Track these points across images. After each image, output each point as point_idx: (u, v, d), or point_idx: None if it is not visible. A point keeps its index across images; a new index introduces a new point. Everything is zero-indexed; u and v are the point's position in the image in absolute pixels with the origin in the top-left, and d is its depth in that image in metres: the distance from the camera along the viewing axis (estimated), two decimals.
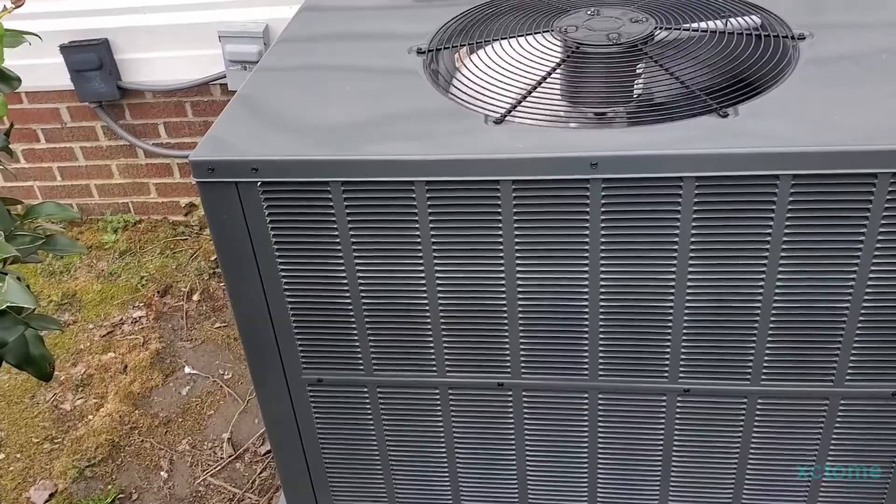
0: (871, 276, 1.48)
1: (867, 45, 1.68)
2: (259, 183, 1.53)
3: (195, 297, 3.38)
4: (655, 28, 1.74)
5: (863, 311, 1.52)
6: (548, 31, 1.80)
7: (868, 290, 1.49)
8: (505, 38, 1.82)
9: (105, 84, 3.46)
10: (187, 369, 3.05)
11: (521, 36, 1.81)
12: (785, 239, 1.45)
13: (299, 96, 1.71)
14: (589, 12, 1.84)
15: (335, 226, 1.56)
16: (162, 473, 2.65)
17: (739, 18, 1.81)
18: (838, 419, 1.67)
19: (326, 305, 1.67)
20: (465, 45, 1.85)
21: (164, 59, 3.44)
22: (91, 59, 3.40)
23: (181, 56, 3.42)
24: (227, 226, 1.59)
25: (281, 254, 1.61)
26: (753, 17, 1.83)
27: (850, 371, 1.60)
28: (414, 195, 1.50)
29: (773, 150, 1.38)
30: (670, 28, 1.76)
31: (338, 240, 1.58)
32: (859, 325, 1.54)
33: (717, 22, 1.80)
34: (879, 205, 1.40)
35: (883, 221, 1.42)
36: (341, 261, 1.60)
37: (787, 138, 1.40)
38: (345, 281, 1.63)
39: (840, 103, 1.49)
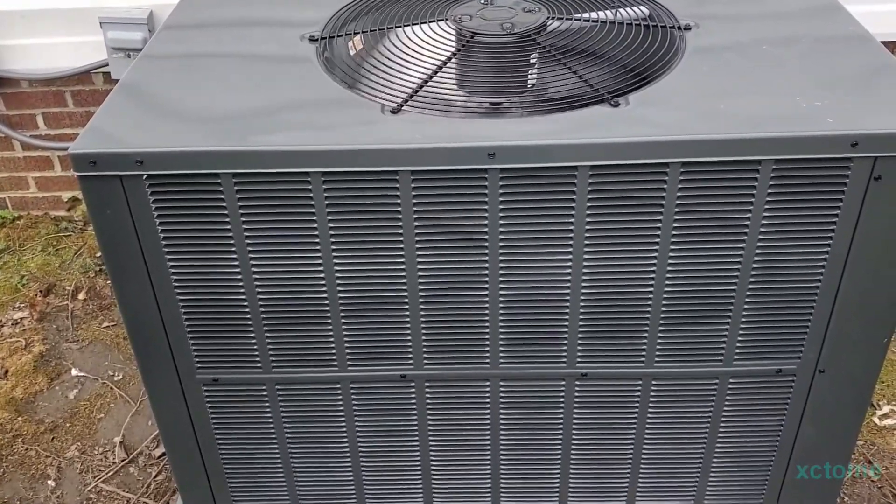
0: (756, 259, 1.54)
1: (749, 35, 1.74)
2: (145, 176, 1.46)
3: (81, 296, 3.23)
4: (548, 18, 1.76)
5: (748, 293, 1.58)
6: (442, 20, 1.79)
7: (753, 273, 1.55)
8: (400, 27, 1.80)
9: None
10: (74, 371, 2.90)
11: (416, 24, 1.80)
12: (675, 224, 1.49)
13: (187, 85, 1.65)
14: (482, 2, 1.84)
15: (227, 220, 1.51)
16: (49, 482, 2.52)
17: (628, 9, 1.85)
18: (728, 397, 1.74)
19: (220, 303, 1.61)
20: (359, 34, 1.81)
21: (42, 45, 3.25)
22: None
23: (60, 42, 3.24)
24: (112, 222, 1.51)
25: (170, 250, 1.55)
26: (642, 7, 1.87)
27: (737, 351, 1.66)
28: (310, 187, 1.47)
29: (663, 138, 1.41)
30: (562, 18, 1.78)
31: (230, 234, 1.52)
32: (746, 306, 1.60)
33: (608, 12, 1.83)
34: (763, 190, 1.45)
35: (766, 206, 1.47)
36: (234, 256, 1.55)
37: (676, 127, 1.44)
38: (239, 277, 1.58)
39: (725, 92, 1.54)
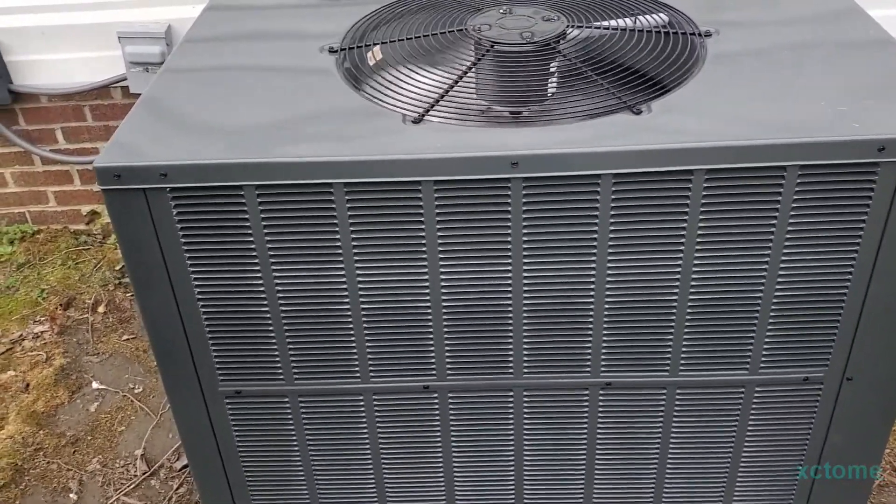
0: (781, 265, 1.52)
1: (770, 41, 1.73)
2: (168, 189, 1.46)
3: (101, 309, 3.24)
4: (567, 26, 1.76)
5: (775, 301, 1.56)
6: (462, 30, 1.79)
7: (780, 280, 1.54)
8: (419, 37, 1.80)
9: None
10: (95, 384, 2.91)
11: (436, 34, 1.80)
12: (700, 232, 1.48)
13: (208, 98, 1.65)
14: (501, 11, 1.84)
15: (250, 232, 1.51)
16: (71, 496, 2.52)
17: (648, 16, 1.85)
18: (754, 406, 1.72)
19: (243, 315, 1.61)
20: (378, 44, 1.82)
21: (60, 60, 3.28)
22: None
23: (78, 58, 3.27)
24: (136, 235, 1.52)
25: (193, 262, 1.55)
26: (661, 14, 1.86)
27: (764, 359, 1.64)
28: (333, 198, 1.47)
29: (686, 145, 1.40)
30: (581, 26, 1.78)
31: (253, 246, 1.52)
32: (772, 314, 1.58)
33: (627, 20, 1.83)
34: (789, 196, 1.44)
35: (792, 212, 1.46)
36: (258, 268, 1.55)
37: (699, 134, 1.43)
38: (262, 289, 1.57)
39: (748, 98, 1.53)
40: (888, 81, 1.56)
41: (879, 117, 1.44)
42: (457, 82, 1.63)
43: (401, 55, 1.77)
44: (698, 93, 1.56)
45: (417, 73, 1.67)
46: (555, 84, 1.70)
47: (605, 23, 1.81)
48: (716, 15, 1.85)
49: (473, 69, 1.67)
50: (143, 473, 2.57)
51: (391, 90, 1.64)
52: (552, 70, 1.70)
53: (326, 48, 1.81)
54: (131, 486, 2.53)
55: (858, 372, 1.66)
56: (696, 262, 1.52)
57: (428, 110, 1.56)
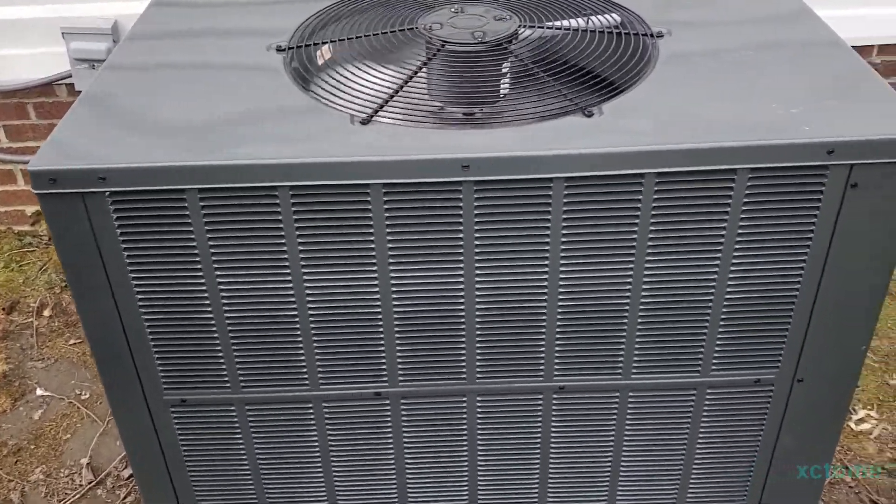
0: (732, 268, 1.52)
1: (722, 42, 1.73)
2: (108, 193, 1.41)
3: (46, 313, 3.15)
4: (519, 26, 1.73)
5: (725, 304, 1.56)
6: (412, 29, 1.75)
7: (730, 283, 1.54)
8: (369, 36, 1.76)
9: None
10: (39, 391, 2.83)
11: (386, 33, 1.76)
12: (651, 235, 1.47)
13: (151, 97, 1.60)
14: (453, 9, 1.81)
15: (193, 237, 1.46)
16: None
17: (600, 17, 1.83)
18: (706, 407, 1.72)
19: (187, 322, 1.56)
20: (327, 43, 1.78)
21: (2, 56, 3.18)
22: None
23: (21, 54, 3.16)
24: (74, 240, 1.46)
25: (135, 269, 1.50)
26: (614, 15, 1.85)
27: (715, 361, 1.64)
28: (278, 201, 1.43)
29: (637, 149, 1.39)
30: (534, 26, 1.76)
31: (196, 252, 1.48)
32: (723, 317, 1.58)
33: (580, 20, 1.81)
34: (739, 199, 1.44)
35: (743, 215, 1.46)
36: (201, 274, 1.50)
37: (650, 136, 1.42)
38: (206, 295, 1.53)
39: (699, 100, 1.52)
40: (839, 83, 1.56)
41: (829, 119, 1.44)
42: (406, 82, 1.60)
43: (350, 54, 1.73)
44: (650, 94, 1.55)
45: (367, 73, 1.63)
46: (507, 85, 1.68)
47: (558, 23, 1.79)
48: (668, 15, 1.85)
49: (424, 69, 1.64)
50: (90, 483, 2.49)
51: (340, 90, 1.60)
52: (504, 71, 1.68)
53: (274, 46, 1.76)
54: (76, 496, 2.46)
55: (809, 373, 1.66)
56: (647, 265, 1.51)
57: (377, 111, 1.53)
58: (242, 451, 1.76)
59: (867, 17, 3.24)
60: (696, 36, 1.76)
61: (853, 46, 1.70)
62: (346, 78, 1.63)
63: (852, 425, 2.56)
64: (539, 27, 1.76)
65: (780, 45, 1.70)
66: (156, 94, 1.60)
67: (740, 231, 1.47)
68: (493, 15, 1.77)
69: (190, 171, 1.39)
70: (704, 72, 1.62)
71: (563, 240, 1.48)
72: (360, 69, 1.66)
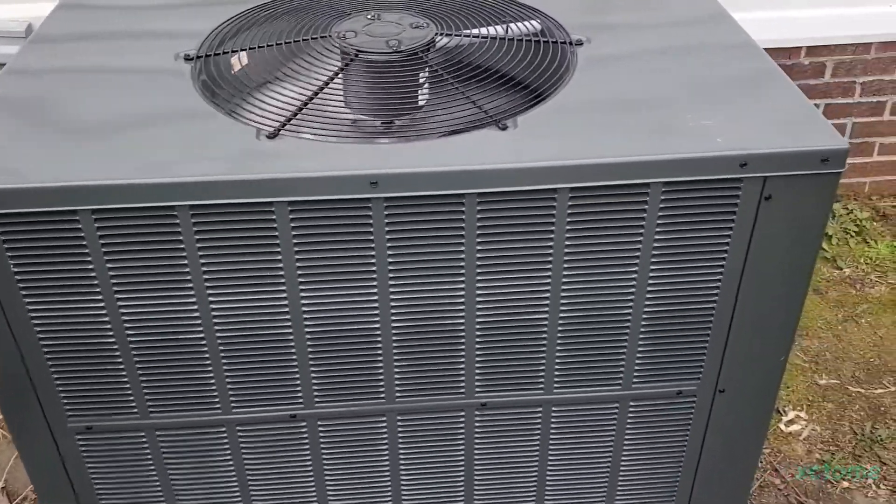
0: (650, 282, 1.50)
1: (641, 48, 1.70)
2: None
3: None
4: (436, 34, 1.69)
5: (645, 317, 1.54)
6: (325, 37, 1.70)
7: (649, 297, 1.52)
8: (281, 44, 1.70)
9: None
10: None
11: (299, 41, 1.70)
12: (566, 250, 1.44)
13: (47, 109, 1.52)
14: (369, 17, 1.76)
15: (90, 259, 1.39)
16: None
17: (520, 24, 1.80)
18: (629, 420, 1.70)
19: (89, 348, 1.49)
20: (237, 52, 1.71)
21: None
22: None
23: None
24: None
25: (28, 293, 1.42)
26: (533, 22, 1.82)
27: (636, 374, 1.62)
28: (178, 221, 1.36)
29: (550, 164, 1.35)
30: (451, 34, 1.72)
31: (94, 274, 1.40)
32: (642, 330, 1.56)
33: (499, 28, 1.78)
34: (654, 213, 1.41)
35: (658, 229, 1.43)
36: (100, 297, 1.43)
37: (564, 151, 1.38)
38: (106, 319, 1.46)
39: (615, 111, 1.50)
40: (754, 91, 1.55)
41: (743, 131, 1.43)
42: (316, 94, 1.54)
43: (261, 64, 1.67)
44: (565, 106, 1.52)
45: (275, 84, 1.57)
46: (422, 96, 1.64)
47: (476, 30, 1.75)
48: (591, 18, 1.82)
49: (336, 80, 1.58)
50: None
51: (247, 102, 1.54)
52: (420, 81, 1.63)
53: (182, 55, 1.69)
54: None
55: (730, 384, 1.66)
56: (564, 280, 1.48)
57: (284, 124, 1.47)
58: (155, 479, 1.69)
59: (797, 18, 3.28)
60: (616, 42, 1.73)
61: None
62: (253, 89, 1.57)
63: (782, 426, 2.59)
64: (456, 35, 1.72)
65: (698, 51, 1.68)
66: (50, 107, 1.52)
67: (656, 245, 1.45)
68: (410, 22, 1.73)
69: (83, 191, 1.32)
70: (621, 82, 1.59)
71: (479, 255, 1.44)
72: (269, 80, 1.60)
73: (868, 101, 3.47)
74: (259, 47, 1.70)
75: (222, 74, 1.64)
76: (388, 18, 1.75)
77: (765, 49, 1.69)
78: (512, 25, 1.79)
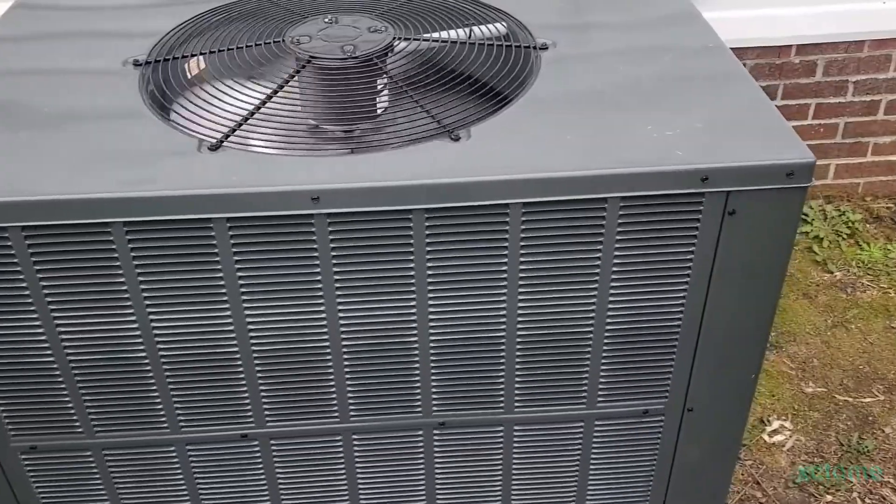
0: (611, 299, 1.43)
1: (607, 52, 1.63)
2: None
3: None
4: (394, 38, 1.62)
5: (607, 335, 1.48)
6: (277, 42, 1.63)
7: (610, 314, 1.45)
8: (232, 50, 1.64)
9: None
10: None
11: (251, 47, 1.64)
12: (521, 266, 1.38)
13: None
14: (326, 20, 1.69)
15: (21, 275, 1.33)
16: None
17: (483, 27, 1.73)
18: (595, 439, 1.64)
19: (26, 365, 1.43)
20: (187, 57, 1.65)
21: None
22: None
23: None
24: None
25: None
26: (498, 25, 1.75)
27: (601, 393, 1.56)
28: (112, 238, 1.30)
29: (501, 177, 1.29)
30: (409, 38, 1.65)
31: (27, 291, 1.35)
32: (605, 348, 1.50)
33: (461, 31, 1.71)
34: (612, 228, 1.35)
35: (617, 244, 1.37)
36: (35, 314, 1.37)
37: (517, 164, 1.32)
38: (42, 336, 1.40)
39: (574, 121, 1.43)
40: (719, 99, 1.48)
41: (706, 142, 1.36)
42: (263, 104, 1.48)
43: (212, 71, 1.61)
44: (523, 115, 1.45)
45: (222, 93, 1.51)
46: (379, 104, 1.57)
47: (437, 34, 1.68)
48: (557, 22, 1.75)
49: (285, 88, 1.52)
50: None
51: (191, 112, 1.47)
52: (375, 88, 1.57)
53: (131, 61, 1.63)
54: None
55: (699, 402, 1.59)
56: (520, 297, 1.42)
57: (228, 135, 1.41)
58: (105, 498, 1.64)
59: (786, 16, 3.19)
60: (582, 46, 1.66)
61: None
62: (199, 98, 1.51)
63: (765, 437, 2.52)
64: (415, 39, 1.66)
65: (666, 55, 1.61)
66: None
67: (616, 261, 1.39)
68: (368, 26, 1.66)
69: (9, 207, 1.26)
70: (583, 89, 1.52)
71: (429, 272, 1.38)
72: (216, 88, 1.53)
73: (861, 100, 3.39)
74: (211, 52, 1.64)
75: (171, 81, 1.58)
76: (346, 22, 1.68)
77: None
78: (475, 28, 1.73)
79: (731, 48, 1.65)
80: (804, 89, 3.31)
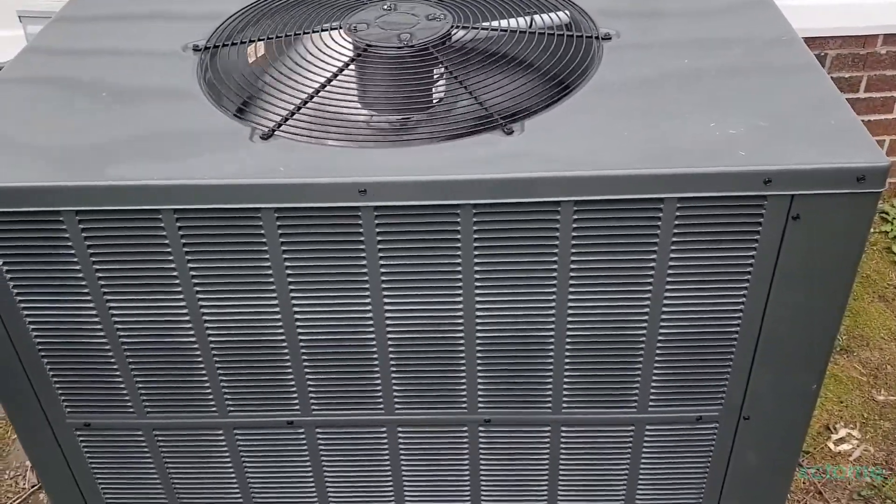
0: (665, 302, 1.38)
1: (672, 42, 1.57)
2: None
3: None
4: (452, 27, 1.59)
5: (660, 338, 1.43)
6: (337, 29, 1.62)
7: (664, 317, 1.40)
8: (290, 36, 1.63)
9: None
10: None
11: (308, 33, 1.63)
12: (572, 266, 1.34)
13: (43, 103, 1.49)
14: (385, 7, 1.67)
15: (76, 260, 1.36)
16: None
17: (545, 15, 1.68)
18: (646, 444, 1.59)
19: (81, 346, 1.47)
20: (245, 43, 1.65)
21: None
22: None
23: None
24: None
25: (20, 293, 1.40)
26: (560, 13, 1.70)
27: (652, 397, 1.51)
28: (162, 224, 1.31)
29: (552, 174, 1.25)
30: (468, 27, 1.61)
31: (81, 275, 1.37)
32: (658, 351, 1.45)
33: (522, 20, 1.66)
34: (668, 230, 1.30)
35: (673, 246, 1.32)
36: (89, 297, 1.40)
37: (570, 161, 1.28)
38: (97, 319, 1.43)
39: (633, 116, 1.38)
40: (789, 96, 1.40)
41: (771, 143, 1.29)
42: (317, 92, 1.47)
43: (269, 57, 1.61)
44: (581, 109, 1.40)
45: (276, 80, 1.51)
46: (435, 94, 1.55)
47: (496, 23, 1.64)
48: (624, 8, 1.68)
49: (339, 77, 1.50)
50: (32, 487, 2.43)
51: (247, 99, 1.47)
52: (429, 79, 1.54)
53: (191, 46, 1.64)
54: (19, 500, 2.40)
55: (756, 411, 1.53)
56: (570, 297, 1.38)
57: (280, 124, 1.40)
58: (156, 477, 1.67)
59: (873, 3, 3.03)
60: (646, 35, 1.60)
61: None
62: (253, 86, 1.51)
63: (831, 445, 2.42)
64: (474, 28, 1.62)
65: (731, 47, 1.53)
66: (49, 100, 1.49)
67: (671, 263, 1.34)
68: (427, 14, 1.63)
69: (65, 192, 1.29)
70: (645, 82, 1.46)
71: (476, 268, 1.35)
72: (272, 76, 1.53)
73: None
74: (268, 38, 1.64)
75: (229, 68, 1.58)
76: (404, 9, 1.66)
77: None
78: (537, 17, 1.68)
79: (810, 37, 1.56)
80: (890, 81, 3.14)
